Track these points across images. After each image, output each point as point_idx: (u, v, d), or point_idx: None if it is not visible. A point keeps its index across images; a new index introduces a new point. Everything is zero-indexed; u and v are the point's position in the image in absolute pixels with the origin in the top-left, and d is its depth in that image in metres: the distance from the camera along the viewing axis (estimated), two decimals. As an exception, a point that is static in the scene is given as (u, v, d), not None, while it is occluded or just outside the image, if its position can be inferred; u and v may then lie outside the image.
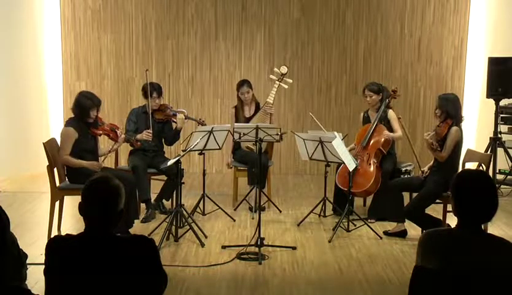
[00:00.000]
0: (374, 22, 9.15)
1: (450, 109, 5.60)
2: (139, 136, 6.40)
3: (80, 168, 5.69)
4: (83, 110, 5.73)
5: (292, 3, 9.16)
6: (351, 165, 5.86)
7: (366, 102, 6.65)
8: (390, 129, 6.52)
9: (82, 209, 2.67)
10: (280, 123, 8.41)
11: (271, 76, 7.08)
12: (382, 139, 6.42)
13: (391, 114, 6.56)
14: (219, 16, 9.20)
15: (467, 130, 9.03)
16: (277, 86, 6.99)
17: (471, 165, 5.99)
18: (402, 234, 5.89)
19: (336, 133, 6.10)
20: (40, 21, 8.99)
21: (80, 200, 2.67)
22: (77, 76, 9.23)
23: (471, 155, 6.16)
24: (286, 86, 7.05)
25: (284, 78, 7.00)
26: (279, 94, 9.23)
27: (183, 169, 5.75)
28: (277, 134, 6.37)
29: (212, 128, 6.08)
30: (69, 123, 5.80)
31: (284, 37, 9.20)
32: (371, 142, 6.44)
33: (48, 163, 5.65)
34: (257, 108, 7.05)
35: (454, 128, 5.59)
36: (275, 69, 7.10)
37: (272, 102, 6.96)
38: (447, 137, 5.57)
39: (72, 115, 5.82)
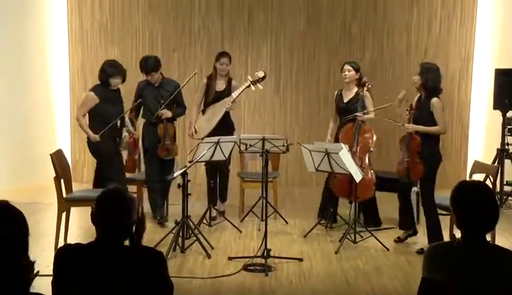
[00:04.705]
0: (381, 33, 9.16)
1: (430, 80, 5.67)
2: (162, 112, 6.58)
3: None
4: (105, 77, 6.26)
5: (298, 16, 9.19)
6: (357, 176, 5.85)
7: (343, 78, 6.66)
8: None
9: (94, 218, 2.69)
10: (287, 134, 8.42)
11: (248, 77, 6.96)
12: (370, 141, 6.45)
13: (368, 97, 6.58)
14: (225, 28, 9.23)
15: (474, 142, 9.04)
16: (246, 85, 6.78)
17: (479, 177, 5.97)
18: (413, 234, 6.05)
19: (342, 144, 6.10)
20: (48, 34, 9.05)
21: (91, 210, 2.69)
22: (84, 88, 9.24)
23: (479, 167, 6.14)
24: (253, 89, 6.87)
25: (257, 83, 6.82)
26: (285, 106, 9.29)
27: (189, 180, 5.75)
28: (284, 145, 6.39)
29: (219, 139, 6.09)
30: (93, 88, 6.40)
31: (290, 49, 9.22)
32: (360, 145, 6.44)
33: (55, 174, 5.67)
34: (229, 84, 6.89)
35: (435, 100, 5.68)
36: (256, 73, 6.98)
37: (235, 97, 6.79)
38: (432, 112, 5.66)
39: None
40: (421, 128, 5.74)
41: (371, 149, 6.49)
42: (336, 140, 6.58)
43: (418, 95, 5.90)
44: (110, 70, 6.26)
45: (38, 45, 8.78)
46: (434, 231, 5.71)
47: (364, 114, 6.45)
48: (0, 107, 8.05)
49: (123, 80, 6.38)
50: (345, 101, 6.66)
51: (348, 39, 9.18)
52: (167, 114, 6.59)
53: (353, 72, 6.62)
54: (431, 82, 5.69)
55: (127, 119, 6.67)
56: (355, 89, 6.64)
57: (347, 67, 6.65)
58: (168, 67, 9.11)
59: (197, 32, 9.26)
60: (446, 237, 5.76)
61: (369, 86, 6.61)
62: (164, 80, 6.75)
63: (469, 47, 9.06)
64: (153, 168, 6.70)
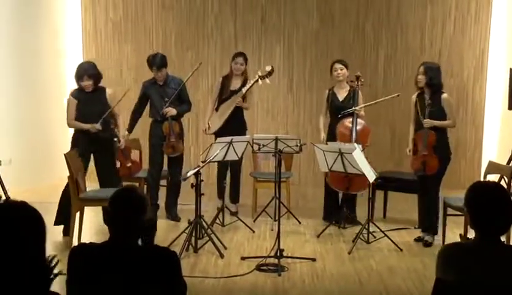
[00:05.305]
0: (394, 33, 9.13)
1: (434, 78, 5.95)
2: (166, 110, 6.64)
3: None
4: (76, 78, 6.23)
5: (311, 15, 9.17)
6: (371, 176, 5.83)
7: (335, 76, 6.70)
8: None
9: (107, 218, 2.69)
10: (300, 134, 8.41)
11: (258, 72, 7.04)
12: (367, 134, 6.59)
13: (360, 95, 6.70)
14: (238, 28, 9.24)
15: (489, 142, 8.98)
16: (255, 80, 6.90)
17: (493, 177, 5.94)
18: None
19: (355, 144, 6.09)
20: (62, 33, 9.10)
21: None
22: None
23: (493, 167, 6.10)
24: (260, 83, 6.95)
25: (265, 78, 6.93)
26: (298, 106, 9.28)
27: (202, 180, 5.76)
28: (297, 146, 6.39)
29: (232, 139, 6.10)
30: (71, 91, 6.37)
31: (303, 49, 9.21)
32: (359, 138, 6.48)
33: (69, 174, 5.71)
34: (244, 83, 6.97)
35: (446, 96, 6.00)
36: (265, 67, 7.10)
37: (244, 92, 6.90)
38: (442, 107, 5.94)
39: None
40: (436, 122, 5.92)
41: (367, 144, 6.54)
42: (332, 135, 6.63)
43: (417, 93, 6.13)
44: (79, 73, 6.19)
45: (52, 44, 8.84)
46: (433, 217, 5.97)
47: (360, 108, 6.62)
48: (15, 107, 8.10)
49: (95, 83, 6.24)
50: (340, 99, 6.70)
51: (361, 38, 9.16)
52: (171, 111, 6.65)
53: (345, 70, 6.69)
54: (435, 79, 5.96)
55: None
56: (347, 87, 6.71)
57: (339, 65, 6.69)
58: (181, 66, 9.15)
59: (211, 31, 9.28)
60: (457, 238, 5.74)
61: (363, 80, 6.75)
62: (168, 77, 6.80)
63: (483, 46, 9.00)
64: (156, 166, 6.79)
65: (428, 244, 5.96)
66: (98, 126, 6.14)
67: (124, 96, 6.52)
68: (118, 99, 6.39)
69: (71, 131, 8.61)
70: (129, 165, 6.69)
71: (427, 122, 5.90)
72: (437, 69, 6.04)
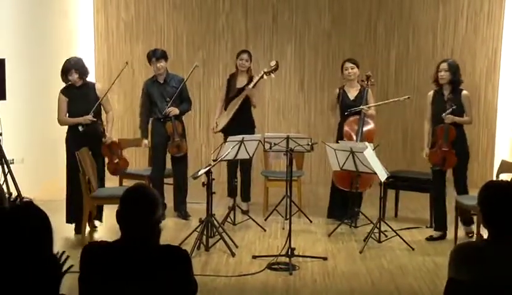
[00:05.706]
0: (406, 33, 9.09)
1: (457, 74, 6.06)
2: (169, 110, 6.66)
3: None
4: (62, 73, 6.19)
5: (323, 15, 9.15)
6: (382, 175, 5.81)
7: (346, 75, 6.71)
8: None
9: (119, 216, 2.69)
10: (311, 133, 8.40)
11: (264, 69, 7.08)
12: (373, 134, 6.59)
13: (370, 94, 6.71)
14: (250, 27, 9.24)
15: (501, 141, 8.92)
16: (260, 75, 6.96)
17: (506, 176, 5.90)
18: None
19: (366, 143, 6.08)
20: (75, 33, 9.13)
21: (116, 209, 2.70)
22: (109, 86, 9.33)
23: (506, 167, 6.07)
24: (265, 78, 7.04)
25: (271, 73, 6.99)
26: (309, 105, 9.26)
27: (213, 179, 5.77)
28: (308, 144, 6.38)
29: (243, 138, 6.11)
30: (61, 89, 6.30)
31: (315, 48, 9.19)
32: (364, 137, 6.48)
33: (81, 172, 5.73)
34: (250, 80, 7.01)
35: (465, 93, 6.09)
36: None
37: (250, 87, 6.93)
38: (462, 104, 6.03)
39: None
40: (457, 119, 5.99)
41: (373, 143, 6.49)
42: (340, 133, 6.68)
43: (434, 90, 6.19)
44: (66, 68, 6.18)
45: (64, 44, 8.87)
46: (468, 212, 5.95)
47: (368, 108, 6.61)
48: (27, 106, 8.14)
49: (81, 77, 6.21)
50: (351, 98, 6.71)
51: (373, 38, 9.13)
52: (174, 111, 6.67)
53: (356, 69, 6.70)
54: (458, 76, 6.07)
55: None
56: (358, 86, 6.74)
57: (349, 65, 6.71)
58: (192, 65, 9.13)
59: (222, 30, 9.28)
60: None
61: (373, 80, 6.76)
62: (168, 75, 6.83)
63: (496, 45, 8.94)
64: (158, 165, 6.84)
65: (472, 235, 6.01)
66: (90, 116, 6.15)
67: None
68: (110, 94, 6.45)
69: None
70: (116, 161, 6.52)
71: (449, 118, 5.93)
72: (458, 66, 6.13)
